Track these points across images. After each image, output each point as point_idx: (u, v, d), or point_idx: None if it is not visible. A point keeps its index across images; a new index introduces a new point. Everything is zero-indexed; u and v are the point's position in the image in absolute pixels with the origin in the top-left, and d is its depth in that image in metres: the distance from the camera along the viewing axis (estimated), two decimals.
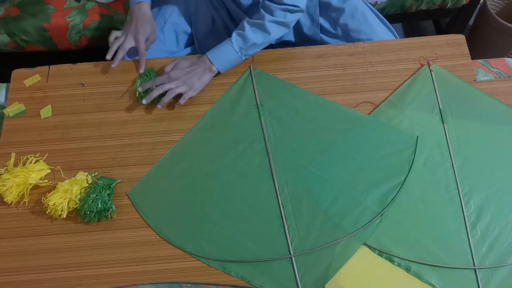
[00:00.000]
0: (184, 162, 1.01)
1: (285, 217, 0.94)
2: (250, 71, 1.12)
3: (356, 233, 0.91)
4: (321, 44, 1.31)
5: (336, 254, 0.90)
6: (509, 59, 1.13)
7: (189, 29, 1.29)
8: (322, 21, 1.28)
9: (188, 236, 0.93)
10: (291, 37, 1.31)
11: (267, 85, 1.10)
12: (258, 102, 1.07)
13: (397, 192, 0.95)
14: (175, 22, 1.28)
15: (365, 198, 0.95)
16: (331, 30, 1.28)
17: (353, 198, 0.95)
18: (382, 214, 0.93)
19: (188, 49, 1.30)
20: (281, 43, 1.32)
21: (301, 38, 1.32)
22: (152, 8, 1.33)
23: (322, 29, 1.29)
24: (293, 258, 0.91)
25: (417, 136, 1.01)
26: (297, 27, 1.29)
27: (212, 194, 0.97)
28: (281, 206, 0.95)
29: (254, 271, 0.90)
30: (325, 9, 1.27)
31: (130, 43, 1.09)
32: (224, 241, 0.93)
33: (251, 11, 1.21)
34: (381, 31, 1.25)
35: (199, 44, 1.29)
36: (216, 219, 0.95)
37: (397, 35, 1.28)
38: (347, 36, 1.26)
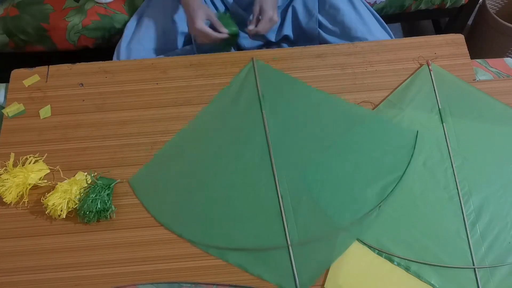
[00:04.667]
0: (185, 151, 1.02)
1: (283, 208, 0.95)
2: (253, 64, 1.12)
3: (353, 225, 0.92)
4: (319, 39, 1.32)
5: (333, 246, 0.91)
6: (508, 58, 1.13)
7: (186, 28, 1.29)
8: (320, 17, 1.29)
9: (187, 224, 0.94)
10: (289, 32, 1.31)
11: (270, 78, 1.11)
12: (260, 95, 1.08)
13: (395, 186, 0.96)
14: (172, 20, 1.28)
15: (363, 192, 0.96)
16: (329, 26, 1.29)
17: (352, 191, 0.96)
18: (379, 207, 0.94)
19: (185, 49, 1.30)
20: (280, 39, 1.33)
21: (300, 33, 1.32)
22: (149, 5, 1.33)
23: (321, 25, 1.30)
24: (290, 248, 0.91)
25: (417, 131, 1.01)
26: (296, 22, 1.30)
27: (212, 184, 0.98)
28: (280, 198, 0.96)
29: (252, 260, 0.90)
30: (323, 5, 1.28)
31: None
32: (223, 230, 0.94)
33: (251, 9, 1.21)
34: (377, 31, 1.26)
35: (196, 43, 1.29)
36: (216, 208, 0.96)
37: (392, 35, 1.29)
38: (344, 33, 1.27)
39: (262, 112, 1.05)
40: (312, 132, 1.03)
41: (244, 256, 0.91)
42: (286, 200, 0.95)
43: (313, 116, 1.05)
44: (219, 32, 1.14)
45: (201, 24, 1.13)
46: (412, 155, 0.99)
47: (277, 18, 1.16)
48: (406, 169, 0.97)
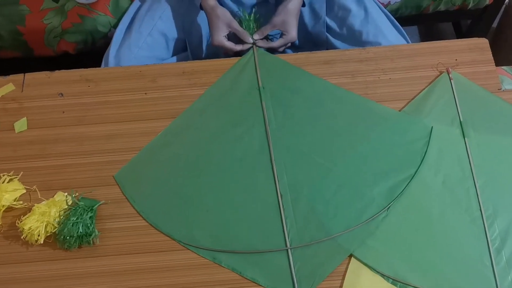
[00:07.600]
0: (176, 144, 1.05)
1: (283, 206, 0.97)
2: (253, 52, 1.15)
3: (359, 227, 0.93)
4: (327, 44, 1.33)
5: (336, 249, 0.92)
6: None
7: (181, 34, 1.31)
8: (328, 20, 1.30)
9: (177, 223, 0.96)
10: None
11: (271, 66, 1.13)
12: (260, 84, 1.10)
13: (406, 186, 0.97)
14: (164, 25, 1.30)
15: (371, 191, 0.97)
16: (337, 30, 1.30)
17: (358, 189, 0.98)
18: (388, 209, 0.95)
19: (180, 56, 1.31)
20: None
21: (306, 37, 1.34)
22: (139, 9, 1.34)
23: (328, 29, 1.31)
24: (289, 250, 0.93)
25: (432, 127, 1.03)
26: (301, 25, 1.30)
27: (206, 179, 1.00)
28: (279, 195, 0.97)
29: (247, 263, 0.92)
30: (331, 6, 1.29)
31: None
32: (216, 230, 0.96)
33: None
34: (391, 34, 1.28)
35: (192, 50, 1.30)
36: (209, 205, 0.98)
37: (408, 40, 1.30)
38: (354, 38, 1.28)
39: (262, 103, 1.08)
40: (316, 124, 1.05)
41: (238, 259, 0.93)
42: (286, 199, 0.97)
43: (317, 107, 1.07)
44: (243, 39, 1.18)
45: (219, 39, 1.16)
46: (425, 153, 1.00)
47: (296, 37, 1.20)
48: (419, 168, 0.98)
